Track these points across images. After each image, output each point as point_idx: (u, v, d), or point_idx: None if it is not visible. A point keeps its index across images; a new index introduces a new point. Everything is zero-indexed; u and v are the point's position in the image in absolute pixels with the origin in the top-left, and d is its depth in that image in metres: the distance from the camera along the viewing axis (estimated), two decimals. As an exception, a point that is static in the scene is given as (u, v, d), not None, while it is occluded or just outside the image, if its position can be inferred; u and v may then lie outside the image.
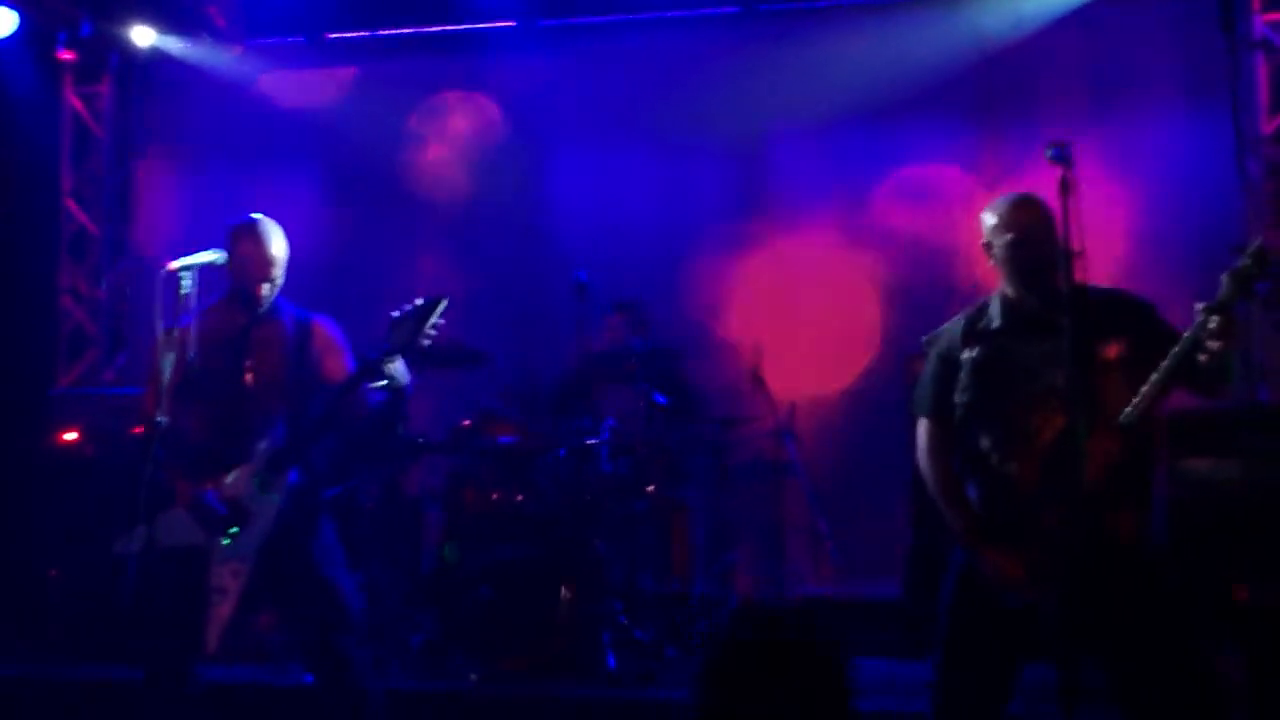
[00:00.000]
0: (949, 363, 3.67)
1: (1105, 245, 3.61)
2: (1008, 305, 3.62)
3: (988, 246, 3.63)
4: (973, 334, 3.65)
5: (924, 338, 3.83)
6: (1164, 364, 3.30)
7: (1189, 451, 5.09)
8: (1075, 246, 3.30)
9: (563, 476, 5.83)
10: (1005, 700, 3.56)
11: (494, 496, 5.80)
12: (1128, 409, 3.32)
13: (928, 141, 7.22)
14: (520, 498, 5.78)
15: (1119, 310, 3.54)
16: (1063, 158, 3.30)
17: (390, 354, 4.17)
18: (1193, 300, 3.35)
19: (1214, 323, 3.21)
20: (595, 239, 7.13)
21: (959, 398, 3.62)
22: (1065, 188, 3.30)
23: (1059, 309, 3.38)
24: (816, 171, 7.37)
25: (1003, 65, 6.88)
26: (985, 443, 3.55)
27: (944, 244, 6.94)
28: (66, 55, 7.64)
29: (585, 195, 7.53)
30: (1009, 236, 3.55)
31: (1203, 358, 3.27)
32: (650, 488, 5.87)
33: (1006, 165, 6.89)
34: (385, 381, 4.21)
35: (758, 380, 6.25)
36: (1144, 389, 3.31)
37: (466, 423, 6.05)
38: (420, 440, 6.15)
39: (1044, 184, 3.61)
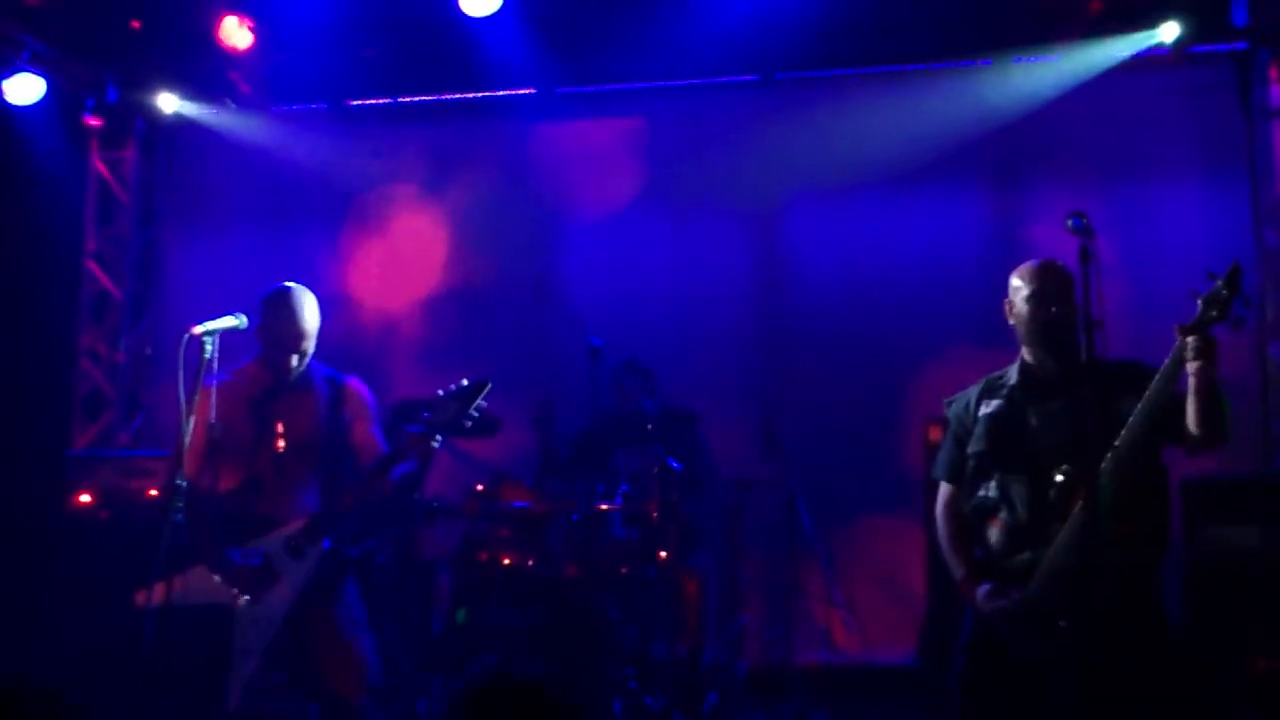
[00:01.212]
0: (964, 424, 3.80)
1: (1120, 315, 3.61)
2: (1025, 367, 3.74)
3: (1009, 305, 3.75)
4: (990, 391, 3.78)
5: (945, 399, 3.95)
6: (1148, 393, 3.37)
7: (1206, 518, 5.07)
8: (1095, 316, 3.36)
9: (575, 541, 5.81)
10: None
11: (506, 560, 5.79)
12: (1122, 433, 3.37)
13: (944, 210, 7.26)
14: (532, 562, 5.76)
15: (1133, 375, 3.58)
16: (1083, 228, 3.36)
17: (432, 432, 4.26)
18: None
19: (1191, 344, 3.32)
20: (611, 304, 7.16)
21: (971, 448, 3.73)
22: (1085, 257, 3.36)
23: (1074, 372, 3.45)
24: (832, 238, 7.40)
25: (1019, 134, 6.91)
26: (994, 492, 3.64)
27: (960, 312, 6.94)
28: (93, 121, 7.75)
29: (601, 260, 7.57)
30: (1028, 292, 3.67)
31: (1190, 397, 3.35)
32: (662, 553, 5.85)
33: (1023, 234, 6.91)
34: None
35: (771, 445, 6.24)
36: (1131, 419, 3.37)
37: (480, 486, 6.06)
38: (434, 504, 6.15)
39: (1061, 253, 3.67)
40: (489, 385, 4.29)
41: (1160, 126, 6.97)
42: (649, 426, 5.95)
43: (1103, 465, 3.36)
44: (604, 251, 7.62)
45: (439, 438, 4.31)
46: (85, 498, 6.45)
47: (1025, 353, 3.74)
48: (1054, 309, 3.61)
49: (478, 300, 7.67)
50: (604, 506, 5.79)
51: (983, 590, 3.58)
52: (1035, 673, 3.46)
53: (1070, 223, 3.35)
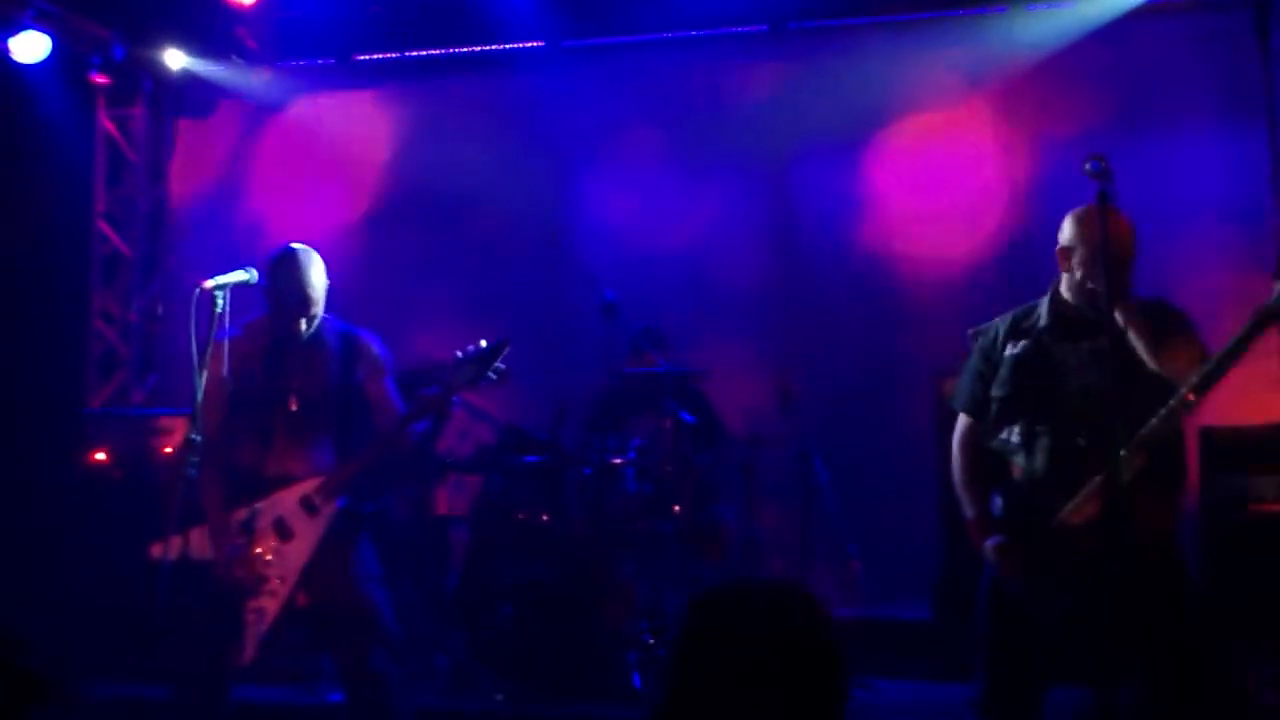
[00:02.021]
0: (990, 359, 3.71)
1: (1137, 261, 3.57)
2: (1057, 306, 3.64)
3: (1064, 255, 3.60)
4: (1018, 330, 3.68)
5: (970, 329, 3.84)
6: (1204, 371, 3.30)
7: (1223, 466, 5.05)
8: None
9: (589, 496, 5.81)
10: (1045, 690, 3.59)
11: (520, 516, 5.79)
12: (1163, 410, 3.31)
13: (960, 160, 7.18)
14: (546, 517, 5.76)
15: (1158, 318, 3.53)
16: (1101, 171, 3.29)
17: (450, 394, 4.29)
18: (1224, 319, 3.36)
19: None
20: (622, 258, 7.12)
21: (995, 391, 3.65)
22: (1104, 201, 3.30)
23: (1105, 315, 3.39)
24: (847, 190, 7.34)
25: (1034, 82, 6.83)
26: (1016, 438, 3.58)
27: (973, 263, 6.90)
28: (100, 79, 7.70)
29: (612, 214, 7.53)
30: (1086, 254, 3.52)
31: None
32: (676, 508, 5.85)
33: (1038, 183, 6.85)
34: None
35: (785, 400, 6.21)
36: (1186, 385, 3.31)
37: (493, 442, 6.06)
38: (448, 460, 6.15)
39: (1078, 200, 3.60)
40: (508, 345, 4.27)
41: (1177, 73, 6.87)
42: (661, 385, 5.95)
43: (1141, 431, 3.30)
44: (616, 206, 7.57)
45: (456, 398, 4.32)
46: (100, 455, 6.47)
47: (1063, 291, 3.63)
48: (1114, 277, 3.38)
49: (490, 255, 7.64)
50: (617, 461, 5.78)
51: (992, 542, 3.55)
52: (1055, 620, 3.44)
53: (1089, 166, 3.29)
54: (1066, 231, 3.62)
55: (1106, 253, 3.28)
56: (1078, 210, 3.62)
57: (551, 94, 7.68)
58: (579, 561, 5.59)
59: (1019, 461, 3.58)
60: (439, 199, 7.77)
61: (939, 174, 7.20)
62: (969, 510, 3.67)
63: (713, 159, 7.44)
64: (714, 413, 6.49)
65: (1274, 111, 6.67)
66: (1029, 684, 3.55)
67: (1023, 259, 6.57)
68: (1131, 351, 3.41)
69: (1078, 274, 3.57)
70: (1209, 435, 5.14)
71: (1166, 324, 3.51)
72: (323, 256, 4.44)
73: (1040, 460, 3.53)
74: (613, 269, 6.44)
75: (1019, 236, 6.82)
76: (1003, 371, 3.64)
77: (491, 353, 4.25)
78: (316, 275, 4.37)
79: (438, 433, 5.99)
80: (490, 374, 4.26)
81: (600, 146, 7.64)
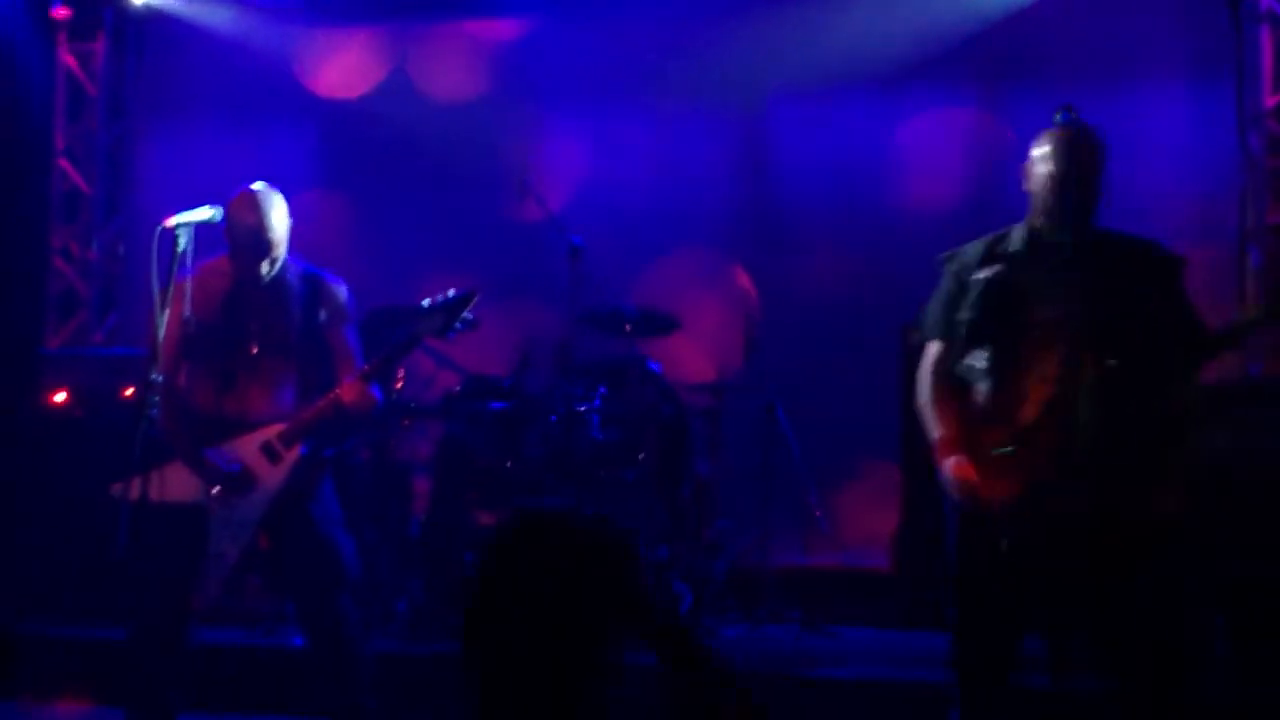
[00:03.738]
0: (961, 283, 3.62)
1: (1104, 214, 3.58)
2: (1032, 232, 3.56)
3: (1027, 172, 3.54)
4: (990, 255, 3.59)
5: (940, 255, 3.74)
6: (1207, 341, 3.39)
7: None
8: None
9: (553, 443, 5.79)
10: (1021, 635, 3.54)
11: (483, 462, 5.79)
12: (1238, 318, 3.49)
13: (930, 109, 7.18)
14: (509, 464, 5.75)
15: (1149, 260, 3.53)
16: (1072, 123, 3.28)
17: (417, 344, 4.28)
18: (1192, 274, 3.40)
19: None
20: (590, 203, 7.08)
21: (963, 315, 3.56)
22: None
23: (1086, 244, 3.38)
24: (816, 138, 7.32)
25: (1007, 33, 6.82)
26: (983, 364, 3.51)
27: (944, 213, 6.90)
28: (61, 12, 7.54)
29: (582, 158, 7.48)
30: (1050, 170, 3.47)
31: None
32: (640, 456, 5.85)
33: (1009, 133, 6.84)
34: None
35: (751, 348, 6.22)
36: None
37: (457, 388, 6.04)
38: (411, 405, 6.13)
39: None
40: (476, 296, 4.23)
41: (1148, 29, 6.87)
42: (627, 327, 5.94)
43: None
44: (585, 149, 7.52)
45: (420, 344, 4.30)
46: (60, 396, 6.40)
47: (1035, 219, 3.56)
48: (1077, 193, 3.44)
49: (456, 198, 7.57)
50: (581, 408, 5.77)
51: (953, 461, 3.48)
52: (1026, 559, 3.40)
53: (1059, 116, 3.29)
54: (1032, 151, 3.54)
55: (1068, 184, 3.27)
56: (1048, 131, 3.54)
57: (523, 35, 7.60)
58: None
59: (982, 388, 3.50)
60: (404, 141, 7.69)
61: (910, 122, 7.19)
62: (936, 429, 3.57)
63: (685, 105, 7.39)
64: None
65: (1242, 68, 6.68)
66: (1003, 624, 3.50)
67: (993, 212, 6.57)
68: (1107, 280, 3.39)
69: (1033, 197, 3.53)
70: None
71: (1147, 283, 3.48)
72: (287, 197, 4.38)
73: (1006, 390, 3.45)
74: (580, 214, 6.41)
75: (990, 190, 6.83)
76: (972, 295, 3.55)
77: (459, 302, 4.21)
78: (278, 217, 4.30)
79: (392, 373, 5.95)
80: (458, 324, 4.23)
81: (571, 89, 7.57)
